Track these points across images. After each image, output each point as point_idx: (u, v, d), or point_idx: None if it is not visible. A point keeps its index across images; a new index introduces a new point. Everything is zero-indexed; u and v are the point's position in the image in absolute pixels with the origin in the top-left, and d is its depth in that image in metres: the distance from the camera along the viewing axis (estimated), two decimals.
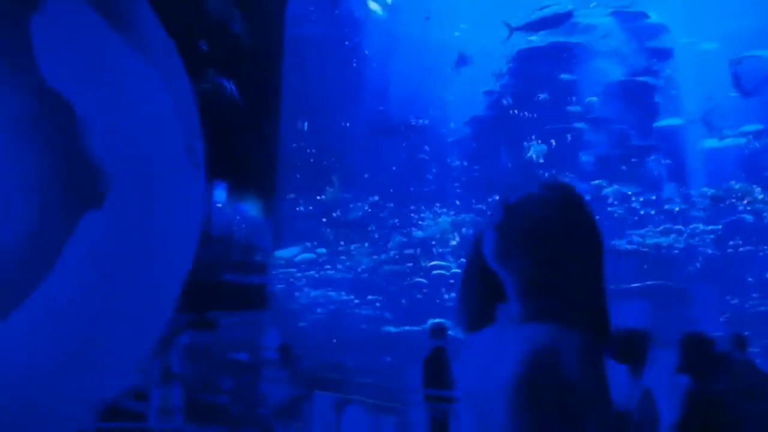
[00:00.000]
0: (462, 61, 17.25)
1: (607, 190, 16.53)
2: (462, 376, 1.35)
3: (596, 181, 16.53)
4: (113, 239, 1.15)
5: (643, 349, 4.46)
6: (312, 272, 16.08)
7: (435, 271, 16.12)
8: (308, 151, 16.95)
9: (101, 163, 1.12)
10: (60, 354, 1.25)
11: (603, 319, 1.26)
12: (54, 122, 1.10)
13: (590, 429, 1.13)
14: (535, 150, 16.96)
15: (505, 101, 17.77)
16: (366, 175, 17.05)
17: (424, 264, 16.30)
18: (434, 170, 17.98)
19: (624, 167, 16.86)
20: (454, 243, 16.54)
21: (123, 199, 1.15)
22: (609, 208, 16.07)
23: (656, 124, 17.21)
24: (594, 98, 17.31)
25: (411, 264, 16.41)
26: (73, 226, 1.12)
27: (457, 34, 18.28)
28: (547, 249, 1.26)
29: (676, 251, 15.74)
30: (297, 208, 16.63)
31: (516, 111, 17.77)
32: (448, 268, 15.99)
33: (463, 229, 16.67)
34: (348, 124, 17.05)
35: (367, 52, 17.63)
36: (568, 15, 16.96)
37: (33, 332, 1.17)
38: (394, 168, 17.34)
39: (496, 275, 1.32)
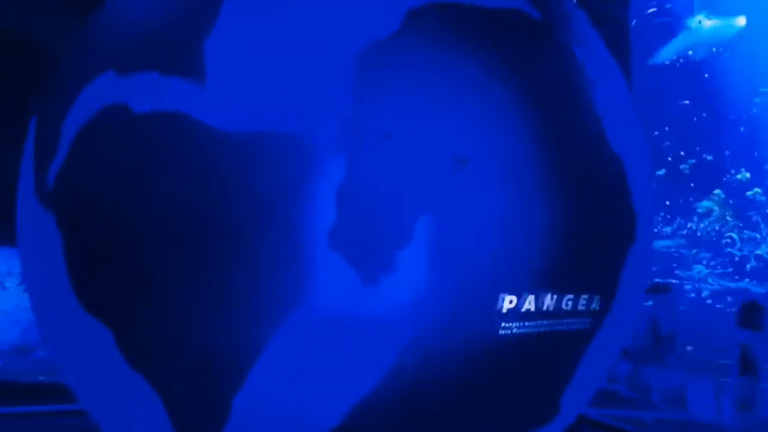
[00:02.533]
0: None
1: None
2: None
3: None
4: (638, 262, 1.37)
5: None
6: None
7: None
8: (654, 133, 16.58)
9: (635, 204, 1.35)
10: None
11: None
12: (606, 172, 1.24)
13: None
14: None
15: None
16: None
17: None
18: None
19: None
20: None
21: (644, 229, 1.38)
22: None
23: None
24: None
25: None
26: (620, 261, 1.32)
27: None
28: None
29: None
30: None
31: None
32: None
33: None
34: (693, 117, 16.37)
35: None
36: None
37: None
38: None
39: None
